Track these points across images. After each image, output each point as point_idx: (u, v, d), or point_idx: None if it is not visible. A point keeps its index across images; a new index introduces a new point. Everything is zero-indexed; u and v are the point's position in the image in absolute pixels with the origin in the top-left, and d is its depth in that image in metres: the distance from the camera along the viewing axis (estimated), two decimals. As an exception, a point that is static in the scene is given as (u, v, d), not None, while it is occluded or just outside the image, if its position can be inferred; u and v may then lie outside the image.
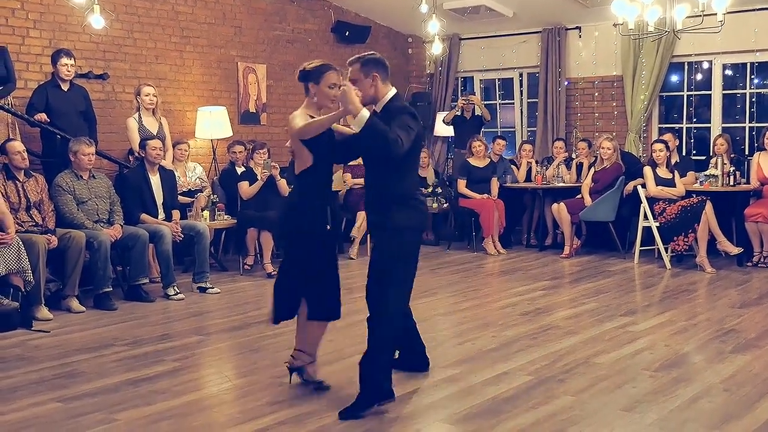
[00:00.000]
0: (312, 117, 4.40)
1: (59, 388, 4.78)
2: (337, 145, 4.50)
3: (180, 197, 8.33)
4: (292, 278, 4.57)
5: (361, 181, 8.35)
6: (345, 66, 4.41)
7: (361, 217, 9.57)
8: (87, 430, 4.08)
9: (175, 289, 7.55)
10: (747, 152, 10.31)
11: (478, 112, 11.50)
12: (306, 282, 4.51)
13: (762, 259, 8.76)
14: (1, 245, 6.36)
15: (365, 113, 4.03)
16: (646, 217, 9.00)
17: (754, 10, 9.95)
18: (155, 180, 7.92)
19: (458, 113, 11.52)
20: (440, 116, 11.87)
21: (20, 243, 6.49)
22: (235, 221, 8.78)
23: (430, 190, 10.91)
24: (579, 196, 9.89)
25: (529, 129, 12.39)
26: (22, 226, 6.86)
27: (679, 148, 10.47)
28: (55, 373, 5.10)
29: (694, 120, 11.06)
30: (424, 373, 4.94)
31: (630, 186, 9.50)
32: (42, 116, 7.74)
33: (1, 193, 6.77)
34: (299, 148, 4.37)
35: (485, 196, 10.25)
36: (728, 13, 7.80)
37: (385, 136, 4.00)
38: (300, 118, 4.37)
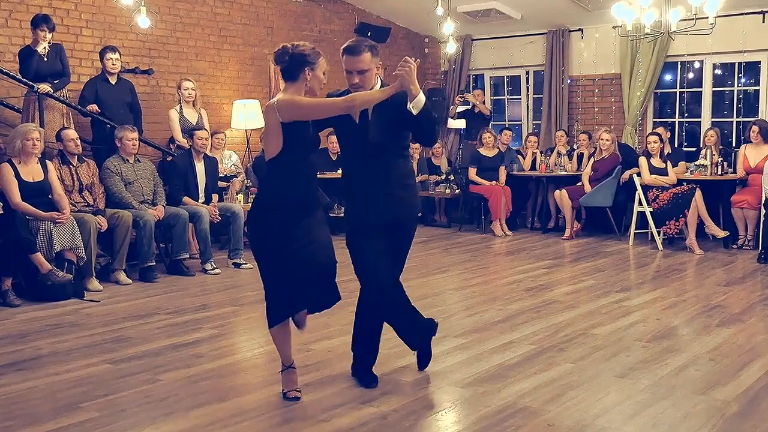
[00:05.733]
0: None
1: (109, 351, 4.83)
2: (314, 134, 3.92)
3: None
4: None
5: None
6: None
7: None
8: (133, 388, 4.12)
9: (212, 265, 7.60)
10: (734, 144, 10.23)
11: (477, 109, 11.51)
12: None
13: (746, 242, 8.71)
14: (57, 224, 6.43)
15: (422, 96, 3.70)
16: (640, 203, 8.95)
17: (742, 14, 9.84)
18: (200, 166, 7.96)
19: (468, 107, 11.53)
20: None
21: (74, 222, 6.56)
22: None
23: (443, 177, 10.90)
24: (579, 183, 9.86)
25: (534, 122, 12.32)
26: (75, 207, 6.92)
27: (672, 140, 10.40)
28: (105, 338, 5.16)
29: (686, 115, 10.96)
30: (436, 342, 4.95)
31: (626, 174, 9.45)
32: (93, 107, 7.79)
33: (57, 177, 6.83)
34: (276, 133, 3.74)
35: (494, 182, 10.23)
36: (719, 16, 7.72)
37: (435, 119, 3.83)
38: (299, 99, 3.78)
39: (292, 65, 3.79)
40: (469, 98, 11.49)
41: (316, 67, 3.83)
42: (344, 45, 3.91)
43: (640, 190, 8.91)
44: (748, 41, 9.94)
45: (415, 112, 3.67)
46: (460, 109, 11.63)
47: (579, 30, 11.42)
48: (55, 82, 7.45)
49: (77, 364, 4.56)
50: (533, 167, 10.85)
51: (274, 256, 3.77)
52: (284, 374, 3.99)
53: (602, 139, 9.71)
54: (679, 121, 10.98)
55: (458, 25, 10.04)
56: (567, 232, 9.78)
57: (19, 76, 7.30)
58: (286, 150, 3.73)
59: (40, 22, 7.32)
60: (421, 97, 3.69)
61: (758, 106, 10.21)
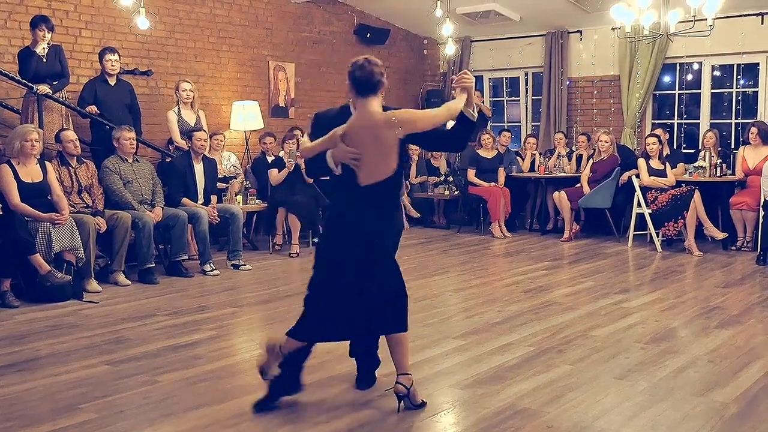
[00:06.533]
0: None
1: (108, 353, 4.82)
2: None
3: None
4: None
5: None
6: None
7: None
8: (132, 390, 4.12)
9: (211, 266, 7.59)
10: (733, 146, 10.24)
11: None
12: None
13: (745, 244, 8.73)
14: (56, 225, 6.42)
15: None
16: (639, 205, 8.95)
17: (741, 15, 9.85)
18: (199, 168, 7.95)
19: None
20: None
21: (73, 223, 6.55)
22: (266, 205, 8.81)
23: (442, 178, 10.90)
24: (578, 185, 9.86)
25: (533, 124, 12.33)
26: (74, 208, 6.91)
27: (670, 142, 10.40)
28: (104, 339, 5.15)
29: (685, 116, 10.97)
30: (435, 343, 4.95)
31: (625, 176, 9.45)
32: (92, 108, 7.79)
33: (56, 178, 6.83)
34: (394, 151, 3.64)
35: (492, 184, 10.23)
36: (717, 18, 7.72)
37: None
38: (415, 111, 3.75)
39: (381, 79, 3.64)
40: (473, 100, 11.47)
41: None
42: (355, 65, 3.79)
43: (638, 192, 8.91)
44: (747, 43, 9.95)
45: (473, 118, 3.75)
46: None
47: (578, 31, 11.43)
48: (54, 83, 7.44)
49: (76, 365, 4.55)
50: (532, 169, 10.85)
51: (328, 274, 3.74)
52: (271, 357, 3.90)
53: (601, 141, 9.71)
54: (677, 123, 10.99)
55: (457, 26, 10.04)
56: (566, 234, 9.79)
57: (18, 77, 7.30)
58: (398, 169, 3.68)
59: (39, 21, 7.32)
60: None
61: (757, 108, 10.22)
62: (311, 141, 3.81)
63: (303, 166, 8.37)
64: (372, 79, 3.60)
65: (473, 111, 3.74)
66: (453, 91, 3.84)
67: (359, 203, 3.68)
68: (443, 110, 3.69)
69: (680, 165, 9.38)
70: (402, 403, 3.77)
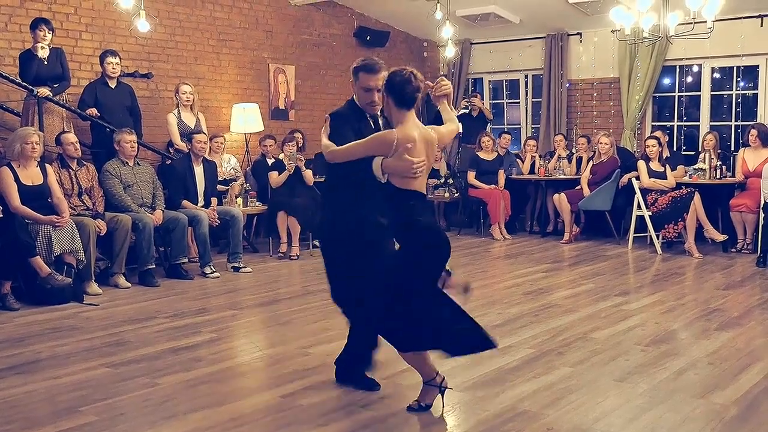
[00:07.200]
0: None
1: (108, 355, 4.82)
2: None
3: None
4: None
5: None
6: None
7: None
8: (132, 392, 4.12)
9: (211, 268, 7.59)
10: (733, 148, 10.24)
11: (475, 113, 11.52)
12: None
13: (745, 246, 8.73)
14: (56, 227, 6.42)
15: None
16: (639, 207, 8.96)
17: (741, 18, 9.86)
18: (199, 170, 7.95)
19: (466, 112, 11.52)
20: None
21: (73, 226, 6.55)
22: (266, 207, 8.81)
23: (442, 181, 10.90)
24: (578, 187, 9.87)
25: (533, 126, 12.33)
26: (75, 210, 6.91)
27: (670, 144, 10.41)
28: (104, 342, 5.15)
29: (685, 119, 10.98)
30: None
31: (625, 178, 9.46)
32: (93, 111, 7.80)
33: (57, 181, 6.83)
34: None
35: (492, 186, 10.24)
36: (717, 20, 7.74)
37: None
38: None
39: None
40: (475, 102, 11.45)
41: None
42: (360, 63, 3.93)
43: (638, 194, 8.92)
44: (747, 45, 9.95)
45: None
46: (459, 112, 11.63)
47: (578, 34, 11.43)
48: (55, 86, 7.45)
49: (76, 368, 4.55)
50: (532, 171, 10.86)
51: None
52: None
53: (601, 143, 9.72)
54: (677, 125, 11.00)
55: (457, 29, 10.05)
56: (566, 236, 9.79)
57: (19, 80, 7.30)
58: None
59: (40, 22, 7.36)
60: None
61: (756, 110, 10.22)
62: (334, 142, 3.76)
63: (303, 169, 8.48)
64: (417, 94, 3.66)
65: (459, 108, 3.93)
66: (435, 99, 3.96)
67: (427, 213, 3.79)
68: (453, 123, 3.90)
69: (680, 167, 9.39)
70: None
